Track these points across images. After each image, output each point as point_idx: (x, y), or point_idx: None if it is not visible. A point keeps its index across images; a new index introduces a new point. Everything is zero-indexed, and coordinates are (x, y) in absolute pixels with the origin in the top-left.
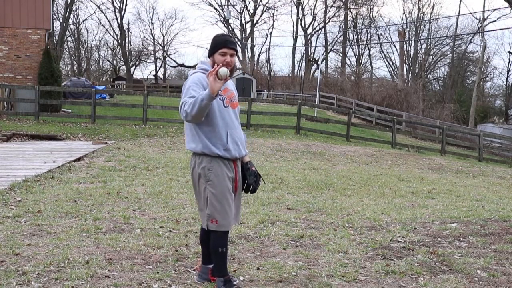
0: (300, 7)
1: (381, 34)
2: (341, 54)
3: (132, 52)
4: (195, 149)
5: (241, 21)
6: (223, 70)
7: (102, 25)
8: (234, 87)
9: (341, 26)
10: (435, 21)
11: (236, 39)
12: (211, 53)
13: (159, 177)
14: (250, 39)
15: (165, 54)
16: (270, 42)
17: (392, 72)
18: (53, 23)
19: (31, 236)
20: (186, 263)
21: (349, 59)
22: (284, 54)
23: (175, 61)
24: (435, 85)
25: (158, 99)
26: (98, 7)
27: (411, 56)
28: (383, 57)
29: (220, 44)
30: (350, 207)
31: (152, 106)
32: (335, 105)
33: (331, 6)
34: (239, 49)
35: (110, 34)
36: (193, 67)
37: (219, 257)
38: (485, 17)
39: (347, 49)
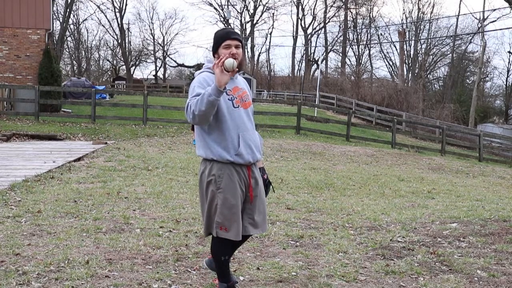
0: (300, 7)
1: (381, 34)
2: (341, 54)
3: (132, 52)
4: (206, 156)
5: (241, 21)
6: (229, 61)
7: (102, 25)
8: (247, 84)
9: (341, 26)
10: (435, 21)
11: None
12: (215, 49)
13: (159, 177)
14: (250, 39)
15: (165, 54)
16: (270, 42)
17: (392, 72)
18: (53, 23)
19: (31, 236)
20: (186, 263)
21: (349, 59)
22: (284, 54)
23: (175, 61)
24: (435, 85)
25: (158, 99)
26: (98, 7)
27: (411, 56)
28: (383, 57)
29: (222, 37)
30: (350, 207)
31: (152, 106)
32: (335, 105)
33: (331, 6)
34: None
35: (110, 34)
36: (193, 67)
37: (222, 264)
38: (485, 17)
39: (347, 49)
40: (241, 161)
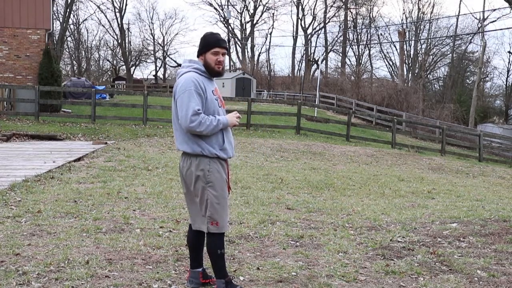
0: (300, 7)
1: (381, 34)
2: (341, 54)
3: (132, 52)
4: (192, 151)
5: (241, 21)
6: (239, 120)
7: (102, 25)
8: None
9: (341, 26)
10: (435, 21)
11: (236, 39)
12: (203, 52)
13: (159, 177)
14: (250, 39)
15: (165, 54)
16: (270, 42)
17: (392, 72)
18: (53, 23)
19: (31, 236)
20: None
21: (349, 59)
22: (284, 54)
23: (175, 61)
24: (435, 85)
25: (158, 99)
26: (98, 7)
27: (411, 56)
28: (383, 57)
29: (212, 43)
30: (350, 207)
31: (152, 106)
32: (335, 105)
33: (331, 6)
34: (239, 49)
35: (110, 34)
36: None
37: (219, 258)
38: (485, 17)
39: (347, 49)
40: (225, 156)
